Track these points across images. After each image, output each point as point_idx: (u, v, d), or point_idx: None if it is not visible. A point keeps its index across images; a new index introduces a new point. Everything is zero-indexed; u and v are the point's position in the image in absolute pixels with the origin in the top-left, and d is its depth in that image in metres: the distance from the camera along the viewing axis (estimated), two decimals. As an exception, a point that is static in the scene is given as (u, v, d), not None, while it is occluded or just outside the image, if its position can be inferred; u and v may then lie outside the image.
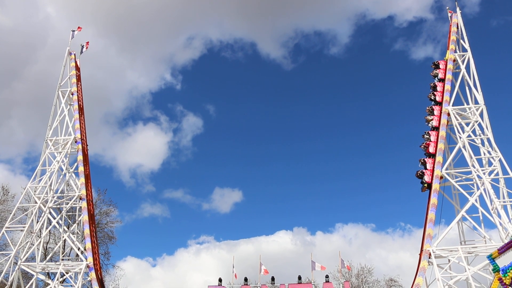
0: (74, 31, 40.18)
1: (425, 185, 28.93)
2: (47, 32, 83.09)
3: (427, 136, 30.75)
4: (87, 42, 40.63)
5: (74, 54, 39.70)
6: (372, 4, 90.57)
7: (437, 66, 33.53)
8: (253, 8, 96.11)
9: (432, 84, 32.99)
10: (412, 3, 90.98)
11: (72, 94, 37.79)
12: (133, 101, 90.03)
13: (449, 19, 35.53)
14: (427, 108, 31.90)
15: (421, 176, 29.24)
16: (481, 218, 28.04)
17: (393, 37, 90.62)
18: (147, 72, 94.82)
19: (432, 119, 31.17)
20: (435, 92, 32.31)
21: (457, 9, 35.10)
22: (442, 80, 32.66)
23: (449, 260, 26.29)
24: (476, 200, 27.66)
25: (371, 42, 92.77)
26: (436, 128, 30.73)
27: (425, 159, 29.69)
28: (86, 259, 30.44)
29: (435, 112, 31.37)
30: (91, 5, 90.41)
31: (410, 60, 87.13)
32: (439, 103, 31.76)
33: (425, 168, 29.29)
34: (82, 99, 38.59)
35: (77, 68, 39.41)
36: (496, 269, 21.95)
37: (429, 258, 26.17)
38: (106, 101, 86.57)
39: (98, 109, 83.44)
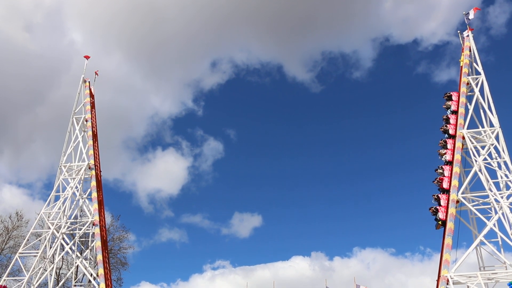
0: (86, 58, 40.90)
1: (440, 222, 27.89)
2: (72, 57, 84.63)
3: (441, 171, 29.65)
4: (96, 72, 41.29)
5: (89, 82, 40.39)
6: (397, 28, 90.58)
7: (449, 98, 32.48)
8: (280, 30, 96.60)
9: (444, 117, 32.00)
10: (438, 27, 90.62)
11: (86, 121, 38.30)
12: (154, 127, 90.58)
13: (461, 41, 35.54)
14: (440, 141, 30.94)
15: (435, 212, 28.22)
16: (500, 243, 27.31)
17: (416, 60, 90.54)
18: (170, 97, 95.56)
19: (445, 153, 30.14)
20: (447, 125, 31.39)
21: (469, 32, 35.05)
22: (455, 113, 31.56)
23: (468, 287, 25.60)
24: (494, 225, 27.08)
25: (395, 65, 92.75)
26: (450, 163, 29.69)
27: (439, 195, 28.64)
28: (98, 285, 30.23)
29: (449, 146, 30.35)
30: (116, 31, 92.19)
31: (433, 83, 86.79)
32: (453, 136, 30.81)
33: (439, 205, 28.31)
34: (96, 125, 39.08)
35: (91, 95, 40.00)
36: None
37: (447, 284, 25.52)
38: (128, 126, 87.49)
39: (119, 134, 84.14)
